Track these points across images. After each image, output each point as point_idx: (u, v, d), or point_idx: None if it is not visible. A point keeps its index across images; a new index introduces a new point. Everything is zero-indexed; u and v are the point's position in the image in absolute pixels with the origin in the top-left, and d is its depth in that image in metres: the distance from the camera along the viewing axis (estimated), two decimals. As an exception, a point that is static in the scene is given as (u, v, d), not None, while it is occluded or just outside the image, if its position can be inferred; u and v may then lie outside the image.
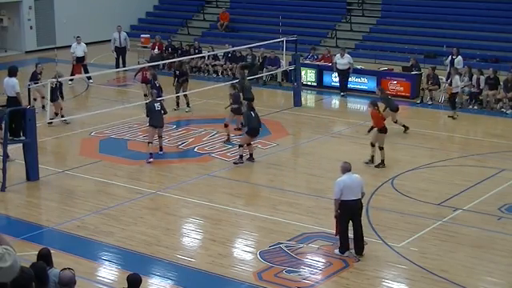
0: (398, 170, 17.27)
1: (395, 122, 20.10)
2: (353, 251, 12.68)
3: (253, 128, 17.75)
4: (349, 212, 12.44)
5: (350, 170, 12.57)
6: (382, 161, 17.39)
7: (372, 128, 17.73)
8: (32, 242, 13.16)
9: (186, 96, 22.92)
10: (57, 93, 20.81)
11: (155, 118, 18.03)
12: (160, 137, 18.47)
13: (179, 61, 24.47)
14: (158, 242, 13.40)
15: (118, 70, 28.25)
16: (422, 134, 20.55)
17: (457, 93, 22.42)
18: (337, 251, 12.73)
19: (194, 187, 16.39)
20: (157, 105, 18.13)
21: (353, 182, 12.41)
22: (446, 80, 23.86)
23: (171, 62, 26.17)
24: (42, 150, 17.69)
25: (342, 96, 25.02)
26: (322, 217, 14.58)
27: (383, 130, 17.46)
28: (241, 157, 17.76)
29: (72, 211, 15.01)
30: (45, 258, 8.80)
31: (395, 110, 19.96)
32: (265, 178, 17.19)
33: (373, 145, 17.50)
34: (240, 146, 17.89)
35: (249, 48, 27.26)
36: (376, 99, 18.73)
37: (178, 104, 23.01)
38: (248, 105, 18.44)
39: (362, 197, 12.65)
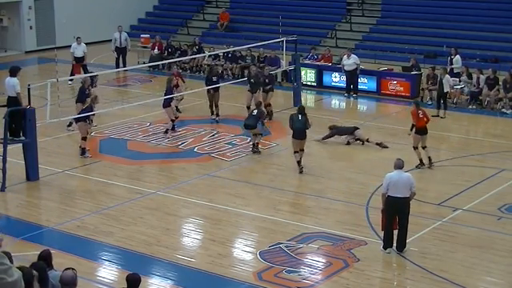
0: (397, 170, 17.23)
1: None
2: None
3: (294, 131, 17.22)
4: (393, 208, 12.54)
5: (401, 168, 12.69)
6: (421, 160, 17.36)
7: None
8: (32, 242, 13.17)
9: (270, 105, 21.81)
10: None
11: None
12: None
13: (261, 66, 23.08)
14: (157, 242, 13.40)
15: (118, 70, 28.24)
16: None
17: (447, 92, 22.38)
18: (381, 247, 12.87)
19: (194, 187, 16.39)
20: (254, 111, 18.87)
21: (399, 180, 12.51)
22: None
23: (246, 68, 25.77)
24: (42, 150, 17.67)
25: (354, 98, 24.92)
26: (322, 217, 14.60)
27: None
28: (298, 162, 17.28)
29: (72, 211, 15.01)
30: (44, 259, 8.81)
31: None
32: (265, 177, 17.18)
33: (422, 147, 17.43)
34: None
35: (248, 48, 27.26)
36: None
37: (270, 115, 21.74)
38: (299, 108, 17.85)
39: (412, 196, 12.68)
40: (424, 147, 17.32)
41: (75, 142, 19.82)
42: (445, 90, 22.11)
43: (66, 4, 34.70)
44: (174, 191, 16.08)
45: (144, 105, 21.84)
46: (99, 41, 33.54)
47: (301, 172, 17.11)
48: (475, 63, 26.40)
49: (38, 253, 8.81)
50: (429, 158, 17.39)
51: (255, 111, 18.92)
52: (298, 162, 17.18)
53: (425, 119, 17.29)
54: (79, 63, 26.97)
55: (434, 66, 24.77)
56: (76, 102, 19.98)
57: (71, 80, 26.04)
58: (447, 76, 22.35)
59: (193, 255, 12.99)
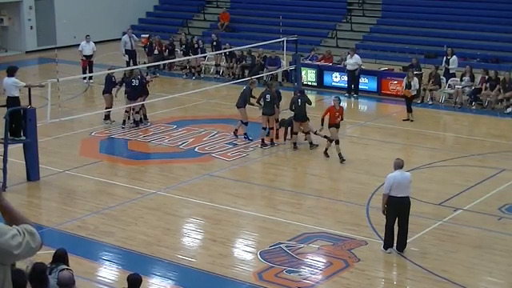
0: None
1: None
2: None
3: (295, 114, 18.68)
4: (396, 208, 12.54)
5: (402, 167, 12.68)
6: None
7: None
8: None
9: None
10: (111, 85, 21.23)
11: (266, 106, 19.08)
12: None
13: (271, 76, 21.28)
14: (158, 241, 13.40)
15: (129, 68, 28.08)
16: (422, 134, 20.56)
17: (414, 95, 22.21)
18: (381, 247, 12.86)
19: (195, 187, 16.39)
20: (268, 96, 18.99)
21: (403, 180, 12.53)
22: (446, 82, 23.94)
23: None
24: (43, 150, 17.68)
25: (355, 98, 24.93)
26: (323, 217, 14.61)
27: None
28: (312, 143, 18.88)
29: (72, 211, 15.02)
30: (58, 258, 8.87)
31: None
32: (265, 177, 17.19)
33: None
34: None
35: (248, 48, 27.24)
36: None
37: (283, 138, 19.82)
38: (299, 91, 19.40)
39: None
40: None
41: (75, 142, 19.86)
42: (412, 94, 21.98)
43: (66, 4, 34.70)
44: (174, 191, 16.08)
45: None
46: (100, 41, 33.47)
47: (295, 148, 18.73)
48: (476, 63, 26.40)
49: (40, 253, 8.82)
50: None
51: (268, 96, 19.00)
52: (294, 143, 18.74)
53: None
54: (88, 61, 26.98)
55: (437, 65, 24.81)
56: (103, 94, 21.34)
57: (90, 78, 25.97)
58: (415, 79, 22.32)
59: (193, 255, 12.99)
